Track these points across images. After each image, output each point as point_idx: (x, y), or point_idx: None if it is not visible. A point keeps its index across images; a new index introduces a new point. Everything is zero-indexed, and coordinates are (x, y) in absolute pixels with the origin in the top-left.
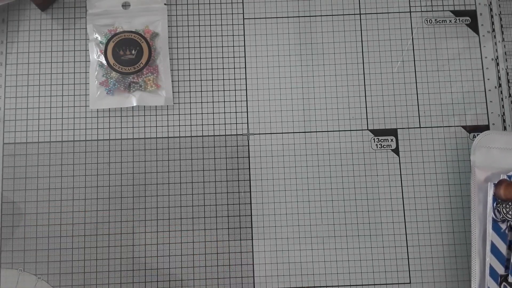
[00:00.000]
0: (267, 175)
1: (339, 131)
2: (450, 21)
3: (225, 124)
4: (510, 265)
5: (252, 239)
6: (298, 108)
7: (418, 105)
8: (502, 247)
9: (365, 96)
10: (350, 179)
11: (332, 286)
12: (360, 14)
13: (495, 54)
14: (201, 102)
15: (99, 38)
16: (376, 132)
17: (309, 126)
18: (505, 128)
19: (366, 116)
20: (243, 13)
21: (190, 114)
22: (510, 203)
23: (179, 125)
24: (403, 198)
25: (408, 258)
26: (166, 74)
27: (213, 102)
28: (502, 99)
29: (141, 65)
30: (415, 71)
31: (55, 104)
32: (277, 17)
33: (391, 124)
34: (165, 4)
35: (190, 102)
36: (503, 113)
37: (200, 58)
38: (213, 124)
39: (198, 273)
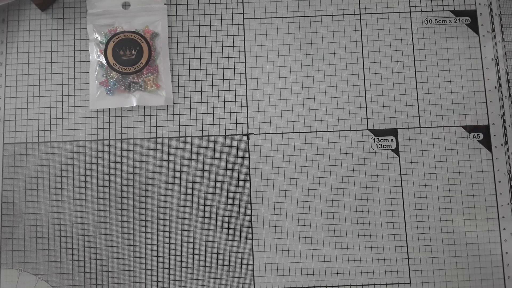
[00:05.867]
0: (267, 175)
1: (339, 131)
2: (450, 21)
3: (225, 124)
4: None
5: (252, 239)
6: (298, 108)
7: (418, 105)
8: None
9: (365, 96)
10: (350, 179)
11: (332, 286)
12: (360, 14)
13: (495, 54)
14: (201, 102)
15: (99, 38)
16: (376, 132)
17: (309, 126)
18: (505, 128)
19: (366, 116)
20: (243, 13)
21: (190, 114)
22: None
23: (179, 125)
24: (403, 198)
25: (408, 258)
26: (166, 74)
27: (213, 102)
28: (502, 99)
29: (141, 65)
30: (415, 71)
31: (55, 104)
32: (277, 17)
33: (391, 124)
34: (165, 4)
35: (190, 102)
36: (503, 113)
37: (200, 58)
38: (213, 124)
39: (198, 273)
